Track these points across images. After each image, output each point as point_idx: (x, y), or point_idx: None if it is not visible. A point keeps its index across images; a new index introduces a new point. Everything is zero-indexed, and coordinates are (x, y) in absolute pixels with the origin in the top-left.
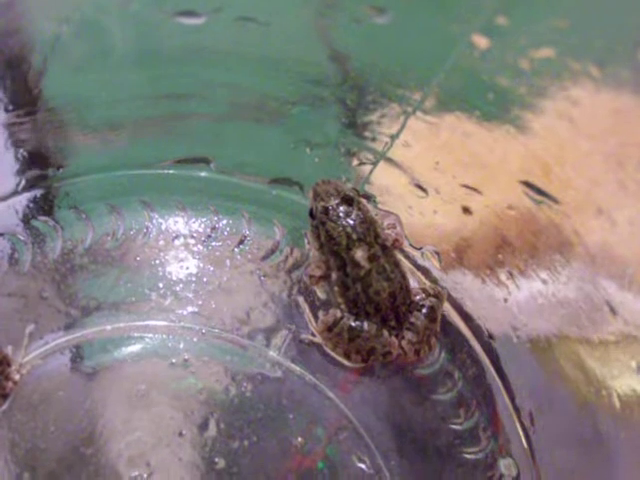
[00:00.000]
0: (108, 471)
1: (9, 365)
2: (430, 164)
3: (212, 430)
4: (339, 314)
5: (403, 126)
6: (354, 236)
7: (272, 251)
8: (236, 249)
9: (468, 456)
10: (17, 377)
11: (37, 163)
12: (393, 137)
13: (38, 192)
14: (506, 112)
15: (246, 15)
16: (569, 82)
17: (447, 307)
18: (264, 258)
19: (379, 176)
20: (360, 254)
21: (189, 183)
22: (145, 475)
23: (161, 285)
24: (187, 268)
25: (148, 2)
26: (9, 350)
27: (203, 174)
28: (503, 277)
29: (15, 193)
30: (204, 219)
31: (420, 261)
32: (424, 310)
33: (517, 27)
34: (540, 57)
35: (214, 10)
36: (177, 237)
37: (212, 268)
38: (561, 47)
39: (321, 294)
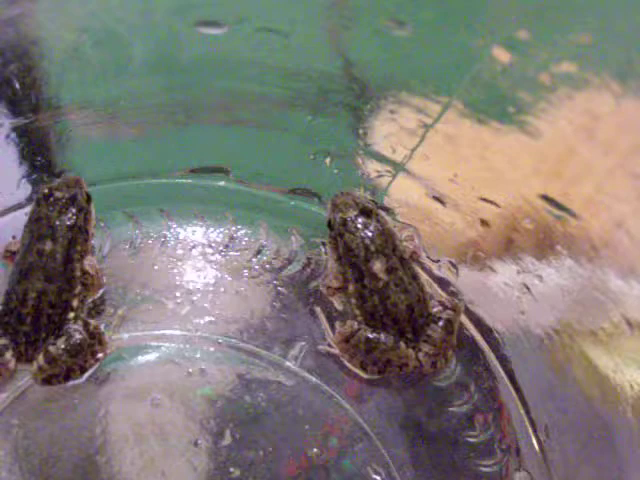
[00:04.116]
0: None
1: (100, 343)
2: (449, 176)
3: (227, 440)
4: (356, 325)
5: (422, 138)
6: (372, 248)
7: (290, 261)
8: (254, 259)
9: (483, 469)
10: (100, 356)
11: (55, 171)
12: (412, 149)
13: None
14: (526, 125)
15: (268, 26)
16: (589, 96)
17: (464, 319)
18: (281, 268)
19: (397, 188)
20: (378, 266)
21: (207, 192)
22: None
23: (178, 294)
24: (204, 277)
25: (170, 12)
26: (102, 328)
27: (221, 183)
28: (520, 289)
29: (32, 200)
30: (222, 229)
31: (437, 273)
32: (441, 322)
33: (538, 41)
34: (561, 71)
35: (237, 21)
36: (195, 246)
37: (229, 278)
38: (582, 61)
39: (338, 305)
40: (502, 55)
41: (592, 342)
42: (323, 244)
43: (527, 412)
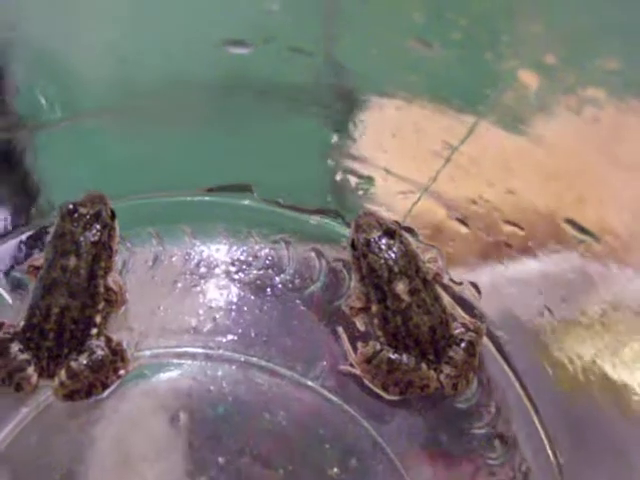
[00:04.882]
0: None
1: (122, 359)
2: (473, 198)
3: (247, 458)
4: (378, 346)
5: (447, 160)
6: (395, 269)
7: (312, 281)
8: (277, 278)
9: None
10: (122, 372)
11: (72, 187)
12: (437, 170)
13: None
14: (551, 149)
15: (294, 45)
16: (616, 120)
17: (485, 342)
18: (304, 288)
19: (421, 209)
20: (401, 287)
21: (232, 211)
22: None
23: (201, 312)
24: (227, 295)
25: (197, 30)
26: (125, 345)
27: (246, 202)
28: (542, 312)
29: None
30: (245, 247)
31: (460, 295)
32: (463, 344)
33: (565, 65)
34: (587, 95)
35: (264, 40)
36: (218, 264)
37: (252, 296)
38: (609, 86)
39: (360, 326)
40: (528, 78)
41: (615, 364)
42: (346, 265)
43: (548, 436)
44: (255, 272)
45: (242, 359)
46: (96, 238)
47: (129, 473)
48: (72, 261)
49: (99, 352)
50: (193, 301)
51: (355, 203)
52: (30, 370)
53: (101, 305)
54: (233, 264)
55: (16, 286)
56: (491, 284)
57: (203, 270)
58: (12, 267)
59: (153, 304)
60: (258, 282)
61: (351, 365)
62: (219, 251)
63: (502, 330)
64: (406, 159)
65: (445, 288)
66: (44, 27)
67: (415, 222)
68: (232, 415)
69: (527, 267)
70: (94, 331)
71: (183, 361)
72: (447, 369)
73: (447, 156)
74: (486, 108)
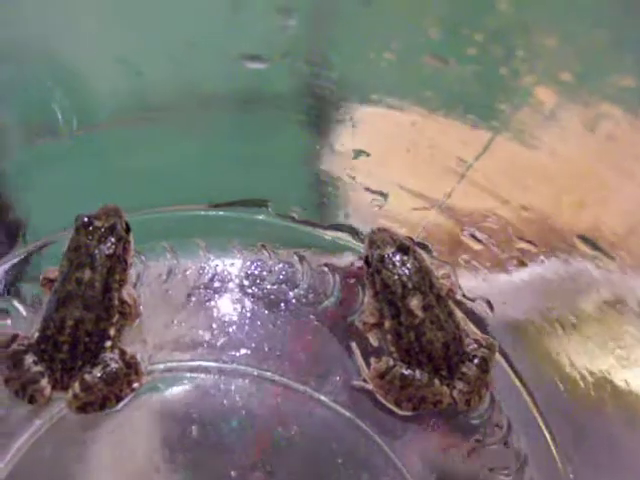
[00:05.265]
0: None
1: (136, 373)
2: (487, 215)
3: (260, 472)
4: (391, 362)
5: (462, 176)
6: (409, 285)
7: (326, 296)
8: (290, 293)
9: None
10: (136, 385)
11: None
12: (451, 187)
13: None
14: (566, 165)
15: (310, 59)
16: (631, 138)
17: (498, 358)
18: (318, 303)
19: (435, 225)
20: (415, 303)
21: (246, 225)
22: None
23: (215, 326)
24: (241, 310)
25: (214, 44)
26: (139, 358)
27: (260, 217)
28: (554, 328)
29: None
30: (259, 262)
31: (473, 311)
32: (476, 361)
33: (580, 82)
34: (602, 112)
35: (281, 55)
36: (232, 279)
37: (266, 311)
38: (623, 103)
39: (374, 341)
40: (543, 93)
41: (627, 380)
42: (359, 280)
43: (559, 452)
44: (269, 287)
45: (255, 373)
46: (111, 251)
47: None
48: (87, 274)
49: (113, 365)
50: (207, 315)
51: (369, 219)
52: (44, 382)
53: (115, 318)
54: (247, 278)
55: (30, 298)
56: (503, 300)
57: (217, 284)
58: (21, 279)
59: (167, 317)
60: (272, 297)
61: (364, 380)
62: (233, 265)
63: (513, 346)
64: (420, 175)
65: (458, 304)
66: (62, 42)
67: (429, 238)
68: (245, 429)
69: (540, 283)
70: (108, 344)
71: (196, 375)
72: (460, 385)
73: (461, 172)
74: (501, 124)
